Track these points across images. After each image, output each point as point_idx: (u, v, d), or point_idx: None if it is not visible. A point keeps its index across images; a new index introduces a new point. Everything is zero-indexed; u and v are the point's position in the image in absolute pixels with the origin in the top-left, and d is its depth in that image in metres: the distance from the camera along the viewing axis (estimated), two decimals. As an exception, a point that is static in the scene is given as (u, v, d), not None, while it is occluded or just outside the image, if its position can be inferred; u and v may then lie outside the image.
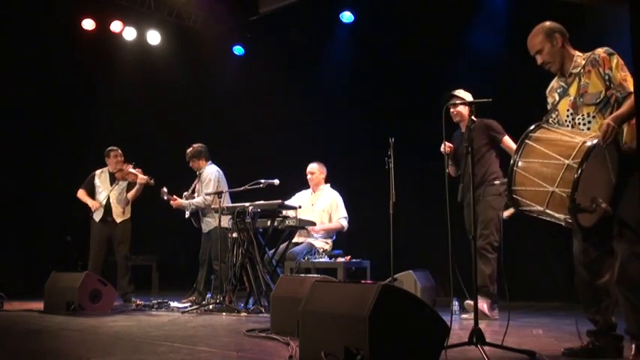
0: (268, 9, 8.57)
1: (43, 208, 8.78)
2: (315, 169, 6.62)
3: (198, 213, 6.82)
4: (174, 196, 6.72)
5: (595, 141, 2.91)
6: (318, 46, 8.80)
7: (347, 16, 8.40)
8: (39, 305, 6.00)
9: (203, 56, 9.32)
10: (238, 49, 9.56)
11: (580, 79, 3.21)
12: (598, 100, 3.12)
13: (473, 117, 3.60)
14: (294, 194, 6.75)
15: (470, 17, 7.25)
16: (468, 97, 4.99)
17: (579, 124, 3.20)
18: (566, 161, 2.93)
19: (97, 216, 6.89)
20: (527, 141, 3.08)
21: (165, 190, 6.69)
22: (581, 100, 3.18)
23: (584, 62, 3.22)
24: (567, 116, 3.26)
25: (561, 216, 3.00)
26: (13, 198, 8.30)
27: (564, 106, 3.28)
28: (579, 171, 2.85)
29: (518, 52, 6.81)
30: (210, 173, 6.75)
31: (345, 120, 8.40)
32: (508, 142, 5.01)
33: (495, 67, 6.85)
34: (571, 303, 6.03)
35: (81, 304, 5.65)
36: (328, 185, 6.65)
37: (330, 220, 6.44)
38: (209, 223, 6.72)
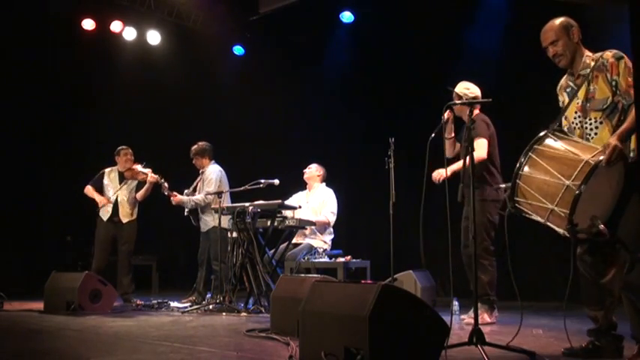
0: (268, 9, 8.57)
1: (43, 208, 8.78)
2: (313, 166, 6.71)
3: (198, 211, 6.82)
4: (175, 193, 6.72)
5: (600, 157, 2.89)
6: (318, 46, 8.80)
7: (347, 16, 8.40)
8: (39, 305, 6.00)
9: (203, 56, 9.32)
10: (238, 49, 9.56)
11: (589, 84, 3.17)
12: (605, 107, 3.09)
13: (473, 116, 3.59)
14: (292, 195, 6.76)
15: (470, 17, 7.25)
16: (470, 89, 4.95)
17: (587, 128, 3.18)
18: (567, 182, 2.93)
19: (105, 215, 6.86)
20: (531, 154, 3.08)
21: (166, 185, 6.69)
22: (589, 105, 3.16)
23: (592, 64, 3.18)
24: (575, 118, 3.24)
25: (561, 230, 3.03)
26: (13, 198, 8.30)
27: (572, 109, 3.26)
28: (577, 192, 2.87)
29: (519, 52, 6.85)
30: (213, 172, 6.74)
31: (345, 120, 8.40)
32: (476, 145, 4.73)
33: (495, 67, 6.84)
34: (571, 303, 6.03)
35: (81, 304, 5.65)
36: (323, 184, 6.68)
37: (319, 215, 6.46)
38: (207, 223, 6.72)
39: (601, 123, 3.12)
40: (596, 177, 2.88)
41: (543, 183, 3.03)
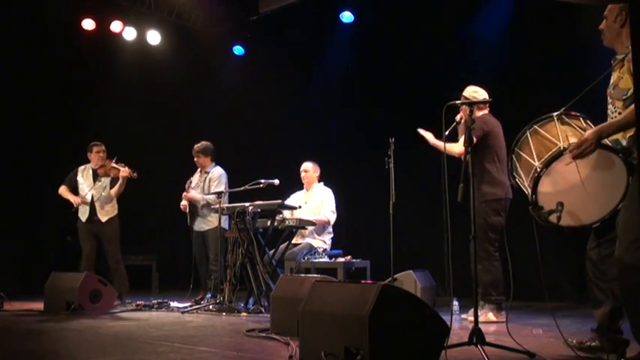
0: (268, 9, 8.57)
1: (43, 208, 8.77)
2: (309, 168, 6.66)
3: (197, 211, 6.82)
4: (189, 189, 6.79)
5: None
6: (318, 46, 8.80)
7: (347, 16, 8.40)
8: (39, 305, 6.00)
9: (203, 56, 9.32)
10: (238, 49, 9.56)
11: (620, 69, 3.05)
12: (625, 97, 2.97)
13: (473, 117, 3.60)
14: (290, 195, 6.75)
15: (470, 16, 7.25)
16: (478, 92, 4.95)
17: (609, 115, 3.08)
18: (536, 163, 3.07)
19: (83, 216, 6.72)
20: (528, 133, 3.22)
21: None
22: (613, 92, 3.06)
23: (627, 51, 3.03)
24: (608, 103, 3.13)
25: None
26: (13, 198, 8.30)
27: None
28: (536, 174, 3.03)
29: (520, 52, 6.84)
30: (222, 175, 6.77)
31: (345, 120, 8.40)
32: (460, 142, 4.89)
33: (496, 67, 6.84)
34: (571, 303, 6.04)
35: (81, 304, 5.66)
36: (321, 184, 6.68)
37: (319, 215, 6.46)
38: (209, 223, 6.72)
39: (619, 113, 2.99)
40: (569, 165, 2.96)
41: (525, 162, 3.20)
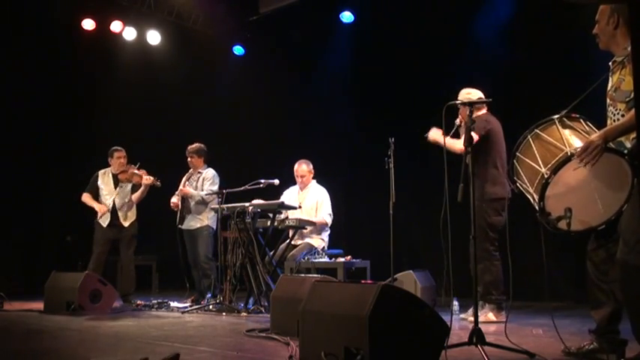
0: (268, 9, 8.58)
1: (43, 208, 8.77)
2: (306, 172, 6.61)
3: (190, 209, 6.82)
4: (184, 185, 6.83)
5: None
6: (318, 46, 8.80)
7: (347, 16, 8.40)
8: (39, 305, 6.01)
9: (203, 56, 9.31)
10: (238, 49, 9.56)
11: (621, 71, 3.02)
12: (627, 99, 2.94)
13: (473, 117, 3.60)
14: (283, 192, 6.72)
15: (471, 16, 7.25)
16: (471, 94, 4.95)
17: (610, 117, 3.06)
18: (542, 170, 3.03)
19: (104, 221, 6.73)
20: (529, 137, 3.17)
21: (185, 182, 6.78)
22: (615, 94, 3.03)
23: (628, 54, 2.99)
24: (608, 105, 3.10)
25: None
26: (13, 198, 8.30)
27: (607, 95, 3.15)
28: (544, 181, 2.99)
29: (520, 52, 6.84)
30: (215, 176, 6.83)
31: (345, 120, 8.40)
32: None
33: (497, 66, 6.84)
34: (571, 303, 6.04)
35: (81, 304, 5.66)
36: (314, 182, 6.66)
37: (316, 216, 6.46)
38: (200, 220, 6.74)
39: (622, 115, 2.96)
40: (575, 170, 2.93)
41: (529, 167, 3.16)
